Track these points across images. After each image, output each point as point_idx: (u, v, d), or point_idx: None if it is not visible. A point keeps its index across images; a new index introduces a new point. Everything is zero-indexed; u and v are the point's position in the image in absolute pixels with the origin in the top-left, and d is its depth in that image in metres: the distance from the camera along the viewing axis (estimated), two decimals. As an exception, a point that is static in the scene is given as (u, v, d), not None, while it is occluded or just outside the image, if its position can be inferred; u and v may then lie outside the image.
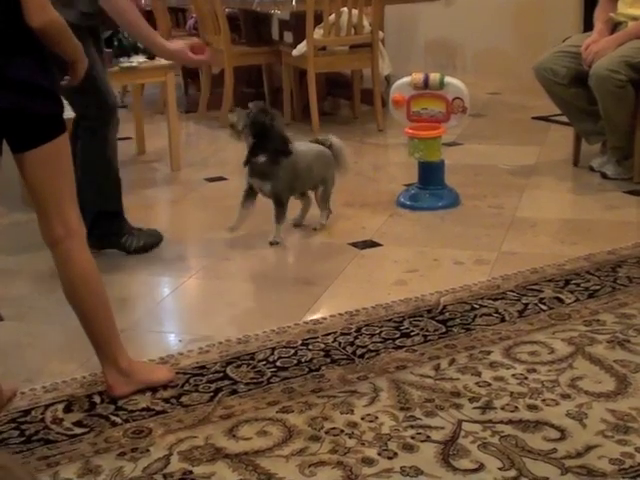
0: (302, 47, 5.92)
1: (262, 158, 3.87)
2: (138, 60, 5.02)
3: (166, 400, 2.57)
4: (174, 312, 3.39)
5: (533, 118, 6.27)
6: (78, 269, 2.51)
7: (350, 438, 2.34)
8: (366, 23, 6.00)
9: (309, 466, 2.23)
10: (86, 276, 2.52)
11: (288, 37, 6.90)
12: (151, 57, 5.09)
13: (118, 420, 2.47)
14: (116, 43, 5.00)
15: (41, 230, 2.50)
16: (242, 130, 3.91)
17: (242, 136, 3.94)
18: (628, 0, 4.69)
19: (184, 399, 2.58)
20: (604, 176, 4.73)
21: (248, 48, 6.54)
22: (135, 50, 5.04)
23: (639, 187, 4.56)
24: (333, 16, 5.84)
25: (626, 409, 2.46)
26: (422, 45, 8.54)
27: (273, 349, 2.86)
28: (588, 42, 4.60)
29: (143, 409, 2.53)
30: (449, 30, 8.18)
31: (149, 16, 7.18)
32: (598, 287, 3.30)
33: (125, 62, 4.96)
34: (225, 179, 5.00)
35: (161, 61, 5.20)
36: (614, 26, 4.72)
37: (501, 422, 2.40)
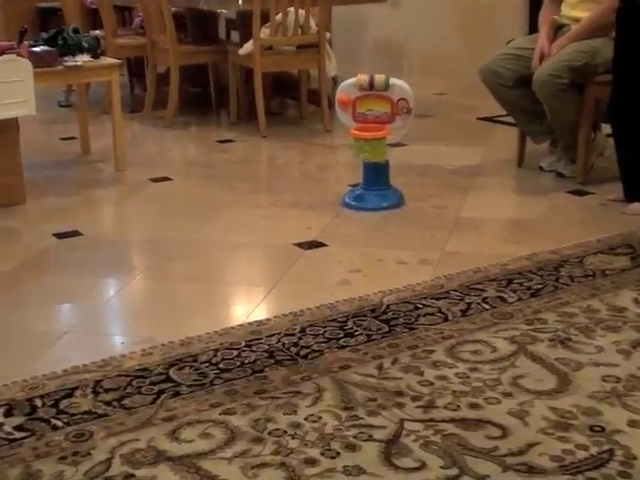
0: (249, 46, 5.91)
1: None
2: (83, 59, 4.97)
3: (108, 403, 2.55)
4: (117, 314, 3.37)
5: (478, 119, 6.32)
6: None
7: (293, 439, 2.34)
8: (313, 23, 6.01)
9: (252, 468, 2.22)
10: None
11: (235, 36, 6.89)
12: (96, 56, 5.06)
13: (59, 424, 2.45)
14: (61, 42, 4.95)
15: None
16: None
17: None
18: (571, 2, 4.75)
19: (126, 402, 2.55)
20: (560, 175, 4.78)
21: (194, 47, 6.51)
22: (80, 49, 5.00)
23: (582, 187, 4.61)
24: (280, 16, 5.84)
25: (567, 407, 2.48)
26: (370, 46, 8.56)
27: (216, 351, 2.85)
28: (543, 48, 4.63)
29: (85, 412, 2.50)
30: (396, 31, 8.21)
31: (95, 14, 7.15)
32: (540, 286, 3.33)
33: (70, 61, 4.91)
34: (170, 179, 4.98)
35: (107, 60, 5.18)
36: (557, 28, 4.77)
37: (443, 421, 2.42)
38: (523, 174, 4.96)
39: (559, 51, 4.58)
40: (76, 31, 5.12)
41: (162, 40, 6.27)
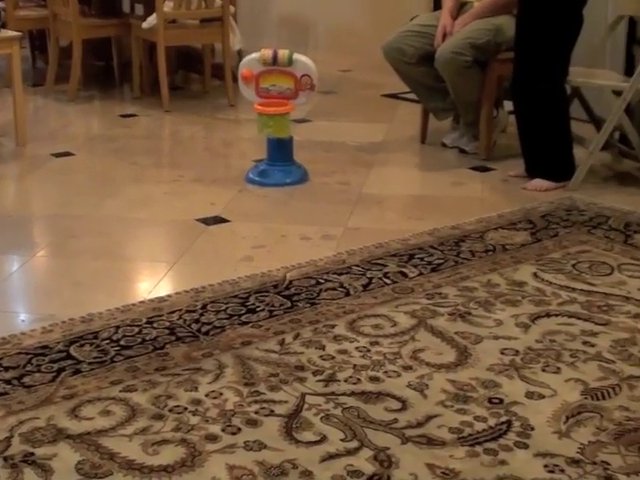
0: (152, 20, 5.84)
1: None
2: (-19, 32, 4.87)
3: (7, 381, 2.51)
4: (17, 291, 3.32)
5: (382, 95, 6.35)
6: None
7: (194, 415, 2.34)
8: (217, -3, 5.97)
9: (152, 444, 2.21)
10: None
11: (139, 9, 6.79)
12: (-5, 29, 4.96)
13: (-43, 402, 2.41)
14: (-41, 14, 4.85)
15: None
16: None
17: None
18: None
19: (26, 380, 2.52)
20: (462, 151, 4.85)
21: (97, 20, 6.38)
22: (-21, 21, 4.89)
23: (484, 163, 4.68)
24: (184, -11, 5.80)
25: (466, 379, 2.52)
26: (275, 21, 8.52)
27: (117, 327, 2.82)
28: (445, 26, 4.67)
29: (-17, 391, 2.47)
30: (302, 6, 8.18)
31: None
32: (441, 261, 3.37)
33: (-32, 33, 4.81)
34: (72, 154, 4.91)
35: (7, 33, 5.07)
36: (460, 6, 4.81)
37: (344, 394, 2.44)
38: (426, 150, 5.01)
39: (462, 28, 4.62)
40: (-26, 2, 5.01)
41: (64, 13, 6.16)
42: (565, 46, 4.23)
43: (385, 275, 3.24)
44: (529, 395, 2.44)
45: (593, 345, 2.73)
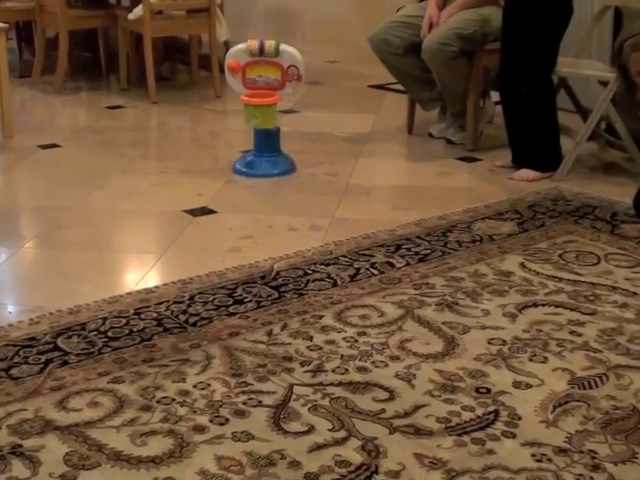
0: (138, 11, 5.83)
1: None
2: (-33, 23, 4.85)
3: (-6, 373, 2.52)
4: (5, 282, 3.30)
5: (369, 86, 6.35)
6: None
7: (182, 406, 2.34)
8: (203, -13, 5.96)
9: (140, 435, 2.21)
10: None
11: (125, 1, 6.78)
12: (-19, 21, 4.94)
13: (-56, 394, 2.41)
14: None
15: None
16: None
17: None
18: (459, -30, 4.79)
19: (13, 371, 2.52)
20: (449, 142, 4.85)
21: (84, 11, 6.38)
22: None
23: (471, 154, 4.68)
24: (170, -20, 5.79)
25: (453, 369, 2.53)
26: (262, 11, 8.51)
27: (105, 319, 2.82)
28: (432, 16, 4.67)
29: (-30, 383, 2.47)
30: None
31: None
32: (429, 251, 3.38)
33: (-47, 25, 4.79)
34: (59, 146, 4.90)
35: (-8, 24, 5.06)
36: (446, -4, 4.82)
37: (332, 384, 2.44)
38: (413, 141, 5.02)
39: (448, 19, 4.62)
40: (-41, -7, 4.99)
41: (51, 4, 6.14)
42: (554, 37, 4.23)
43: (372, 265, 3.24)
44: (516, 385, 2.45)
45: (580, 335, 2.74)
